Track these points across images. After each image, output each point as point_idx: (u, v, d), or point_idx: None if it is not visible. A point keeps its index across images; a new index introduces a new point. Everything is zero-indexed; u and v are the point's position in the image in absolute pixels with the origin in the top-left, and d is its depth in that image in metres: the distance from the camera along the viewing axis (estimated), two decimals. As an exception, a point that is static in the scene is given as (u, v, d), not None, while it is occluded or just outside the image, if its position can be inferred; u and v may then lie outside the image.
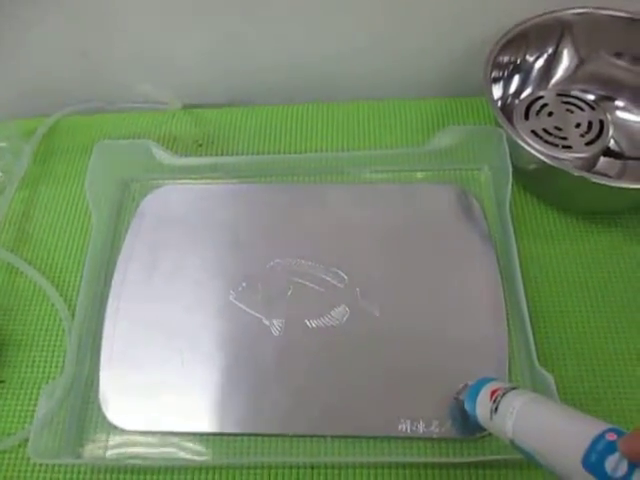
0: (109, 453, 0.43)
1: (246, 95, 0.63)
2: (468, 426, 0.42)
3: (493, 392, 0.37)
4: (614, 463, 0.26)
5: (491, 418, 0.36)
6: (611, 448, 0.27)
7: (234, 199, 0.54)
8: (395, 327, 0.46)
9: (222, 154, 0.57)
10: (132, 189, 0.55)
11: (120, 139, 0.58)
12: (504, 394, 0.35)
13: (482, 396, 0.38)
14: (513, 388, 0.36)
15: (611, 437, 0.27)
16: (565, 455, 0.29)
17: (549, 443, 0.31)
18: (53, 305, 0.49)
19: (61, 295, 0.50)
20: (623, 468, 0.26)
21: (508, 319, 0.46)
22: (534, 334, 0.43)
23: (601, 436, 0.27)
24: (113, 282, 0.50)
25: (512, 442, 0.33)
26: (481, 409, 0.37)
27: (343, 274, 0.48)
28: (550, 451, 0.30)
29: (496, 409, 0.35)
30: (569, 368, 0.44)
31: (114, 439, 0.43)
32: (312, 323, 0.47)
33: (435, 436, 0.42)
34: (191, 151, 0.58)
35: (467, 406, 0.39)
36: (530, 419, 0.33)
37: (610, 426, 0.28)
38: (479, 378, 0.40)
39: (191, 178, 0.55)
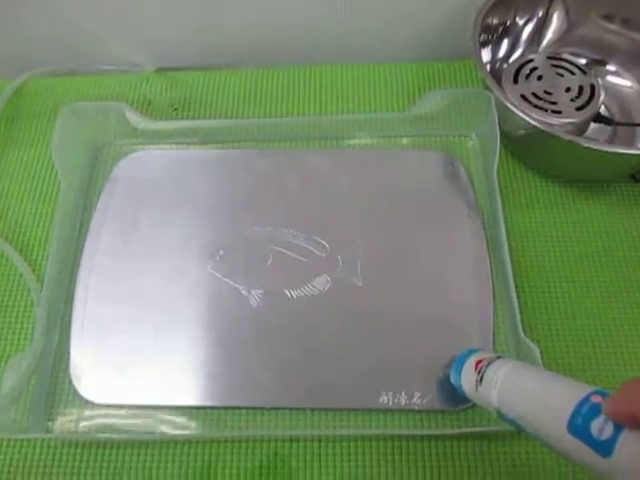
0: (81, 427, 0.41)
1: (224, 58, 0.60)
2: (450, 398, 0.41)
3: (477, 363, 0.36)
4: (600, 426, 0.26)
5: (476, 389, 0.35)
6: (596, 411, 0.26)
7: (212, 165, 0.52)
8: (378, 297, 0.45)
9: (199, 118, 0.55)
10: (104, 154, 0.53)
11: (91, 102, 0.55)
12: (489, 364, 0.35)
13: (467, 368, 0.37)
14: (498, 357, 0.35)
15: (596, 399, 0.27)
16: (550, 421, 0.28)
17: (534, 410, 0.30)
18: (21, 275, 0.47)
19: (29, 265, 0.47)
20: (609, 430, 0.25)
21: (494, 289, 0.45)
22: (520, 304, 0.42)
23: (585, 399, 0.27)
24: (84, 252, 0.47)
25: (498, 412, 0.33)
26: (466, 381, 0.37)
27: (325, 243, 0.47)
28: (535, 418, 0.30)
29: (481, 380, 0.35)
30: (554, 339, 0.44)
31: (86, 413, 0.42)
32: (292, 293, 0.45)
33: (417, 408, 0.41)
34: (166, 115, 0.55)
35: (452, 379, 0.39)
36: (514, 387, 0.32)
37: (594, 388, 0.28)
38: (464, 350, 0.39)
39: (167, 143, 0.53)
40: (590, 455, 0.26)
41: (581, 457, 0.26)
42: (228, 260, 0.47)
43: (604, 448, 0.25)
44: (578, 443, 0.26)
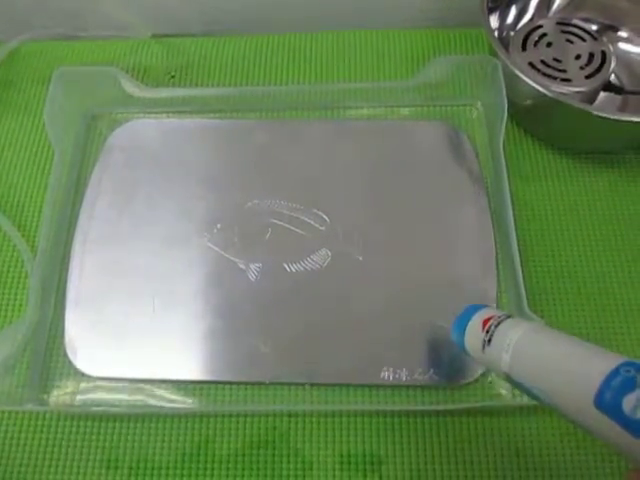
0: (77, 400, 0.41)
1: (223, 24, 0.58)
2: (452, 373, 0.40)
3: (485, 321, 0.33)
4: (634, 402, 0.23)
5: (483, 350, 0.32)
6: (629, 385, 0.23)
7: (209, 135, 0.50)
8: (379, 271, 0.44)
9: (197, 87, 0.53)
10: (98, 122, 0.51)
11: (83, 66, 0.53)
12: (498, 323, 0.32)
13: (472, 325, 0.34)
14: (508, 317, 0.32)
15: (628, 372, 0.24)
16: (573, 394, 0.26)
17: (554, 380, 0.27)
18: (15, 246, 0.46)
19: (23, 236, 0.46)
20: None
21: (497, 263, 0.44)
22: (524, 278, 0.40)
23: (616, 371, 0.24)
24: (79, 222, 0.46)
25: (508, 377, 0.30)
26: (471, 340, 0.34)
27: (324, 216, 0.46)
28: (555, 389, 0.27)
29: (489, 341, 0.31)
30: (559, 313, 0.43)
31: (81, 386, 0.41)
32: (291, 267, 0.44)
33: (418, 384, 0.40)
34: (163, 83, 0.54)
35: (454, 337, 0.35)
36: (530, 353, 0.29)
37: (625, 359, 0.25)
38: (467, 305, 0.36)
39: (163, 112, 0.51)
40: (620, 434, 0.23)
41: (609, 436, 0.24)
42: (226, 233, 0.45)
43: (638, 427, 0.23)
44: (606, 420, 0.24)
